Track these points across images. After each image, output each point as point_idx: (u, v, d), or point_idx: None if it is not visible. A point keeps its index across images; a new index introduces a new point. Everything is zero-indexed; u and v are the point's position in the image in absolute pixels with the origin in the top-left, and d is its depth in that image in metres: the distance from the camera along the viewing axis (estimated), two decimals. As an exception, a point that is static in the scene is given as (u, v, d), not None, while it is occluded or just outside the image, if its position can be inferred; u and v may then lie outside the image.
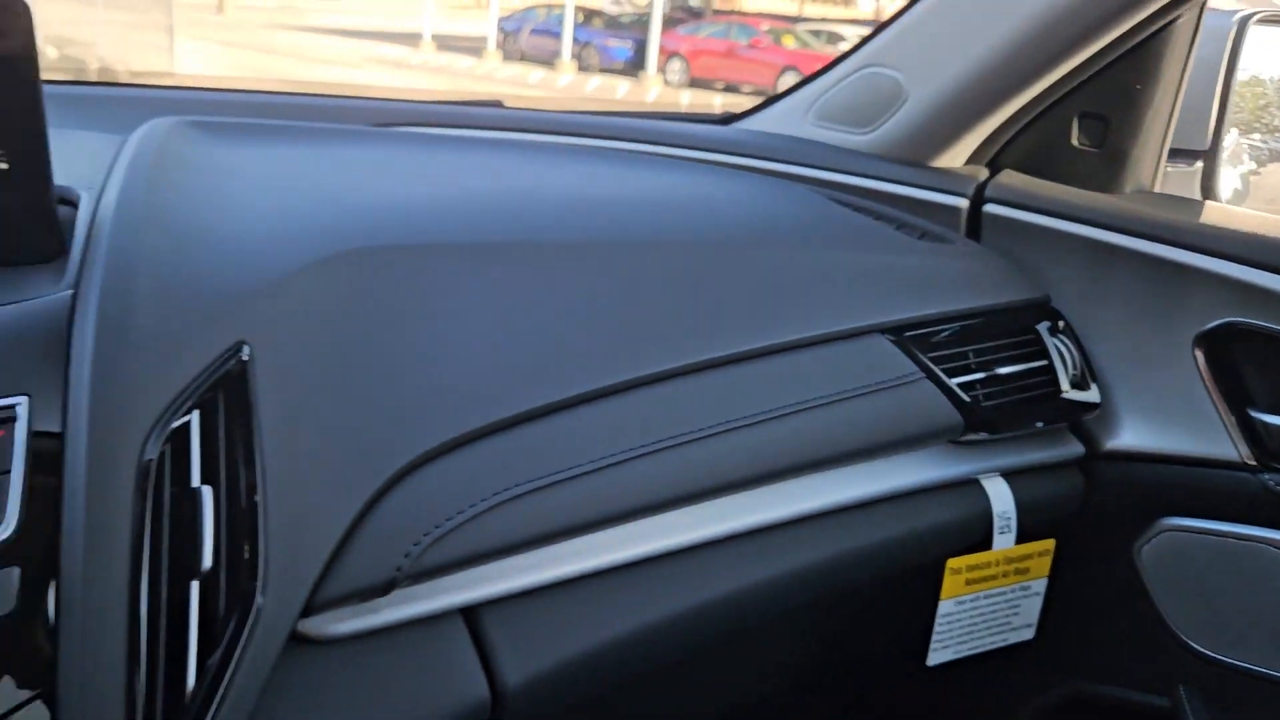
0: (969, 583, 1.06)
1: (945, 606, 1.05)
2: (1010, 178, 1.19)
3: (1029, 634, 1.13)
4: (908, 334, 1.01)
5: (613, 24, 17.78)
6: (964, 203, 1.19)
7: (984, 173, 1.21)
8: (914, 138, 1.20)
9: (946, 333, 1.04)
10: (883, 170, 1.22)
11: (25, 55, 0.66)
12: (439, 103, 1.35)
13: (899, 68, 1.21)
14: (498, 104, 1.39)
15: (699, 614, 0.85)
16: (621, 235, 0.96)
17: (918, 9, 1.20)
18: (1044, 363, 1.09)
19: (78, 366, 0.57)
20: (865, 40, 1.28)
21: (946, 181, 1.20)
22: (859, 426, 0.95)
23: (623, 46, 16.96)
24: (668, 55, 16.13)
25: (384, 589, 0.69)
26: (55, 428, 0.56)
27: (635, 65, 16.41)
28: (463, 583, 0.74)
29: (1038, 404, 1.07)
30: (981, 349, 1.06)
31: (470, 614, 0.75)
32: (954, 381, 1.01)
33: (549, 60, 17.10)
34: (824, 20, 18.52)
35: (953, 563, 1.03)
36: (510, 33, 18.11)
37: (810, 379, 0.93)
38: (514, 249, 0.86)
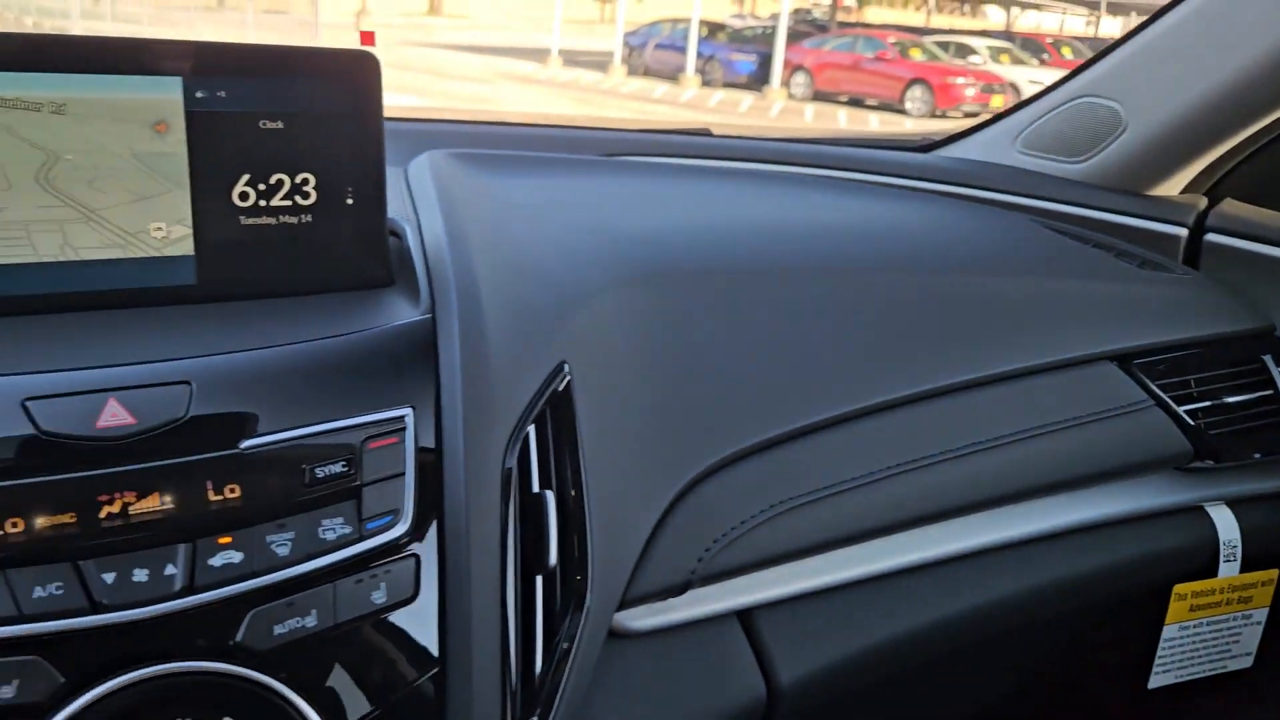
0: (1193, 609, 1.07)
1: (1169, 631, 1.07)
2: (1233, 207, 1.20)
3: (1247, 662, 1.14)
4: (1135, 361, 1.03)
5: (737, 38, 17.83)
6: (1183, 232, 1.20)
7: (1203, 201, 1.22)
8: (1131, 167, 1.22)
9: (1171, 361, 1.06)
10: (1098, 199, 1.24)
11: (373, 101, 0.75)
12: (652, 131, 1.42)
13: (1117, 97, 1.23)
14: (706, 132, 1.45)
15: (947, 624, 0.90)
16: (855, 260, 1.01)
17: (1138, 40, 1.22)
18: (1270, 392, 1.09)
19: (448, 384, 0.65)
20: (1077, 71, 1.30)
21: (1165, 210, 1.21)
22: (1091, 452, 0.97)
23: (746, 60, 16.99)
24: (792, 69, 16.10)
25: (680, 589, 0.76)
26: (429, 437, 0.64)
27: (759, 79, 16.42)
28: (739, 587, 0.80)
29: (1264, 433, 1.08)
30: (1204, 378, 1.07)
31: (745, 616, 0.81)
32: (1181, 410, 1.03)
33: (673, 75, 17.26)
34: (951, 31, 18.20)
35: (1179, 588, 1.05)
36: (635, 48, 18.35)
37: (1043, 405, 0.96)
38: (774, 274, 0.92)
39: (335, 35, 18.18)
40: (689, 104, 15.24)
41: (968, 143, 1.41)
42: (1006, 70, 15.06)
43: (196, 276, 0.72)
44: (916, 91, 14.64)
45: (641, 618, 0.76)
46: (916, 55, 15.40)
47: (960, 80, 14.44)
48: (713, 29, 17.88)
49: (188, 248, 0.72)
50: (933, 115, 14.40)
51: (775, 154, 1.39)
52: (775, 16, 16.89)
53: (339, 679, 0.59)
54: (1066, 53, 16.76)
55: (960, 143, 1.42)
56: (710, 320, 0.85)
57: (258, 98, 0.71)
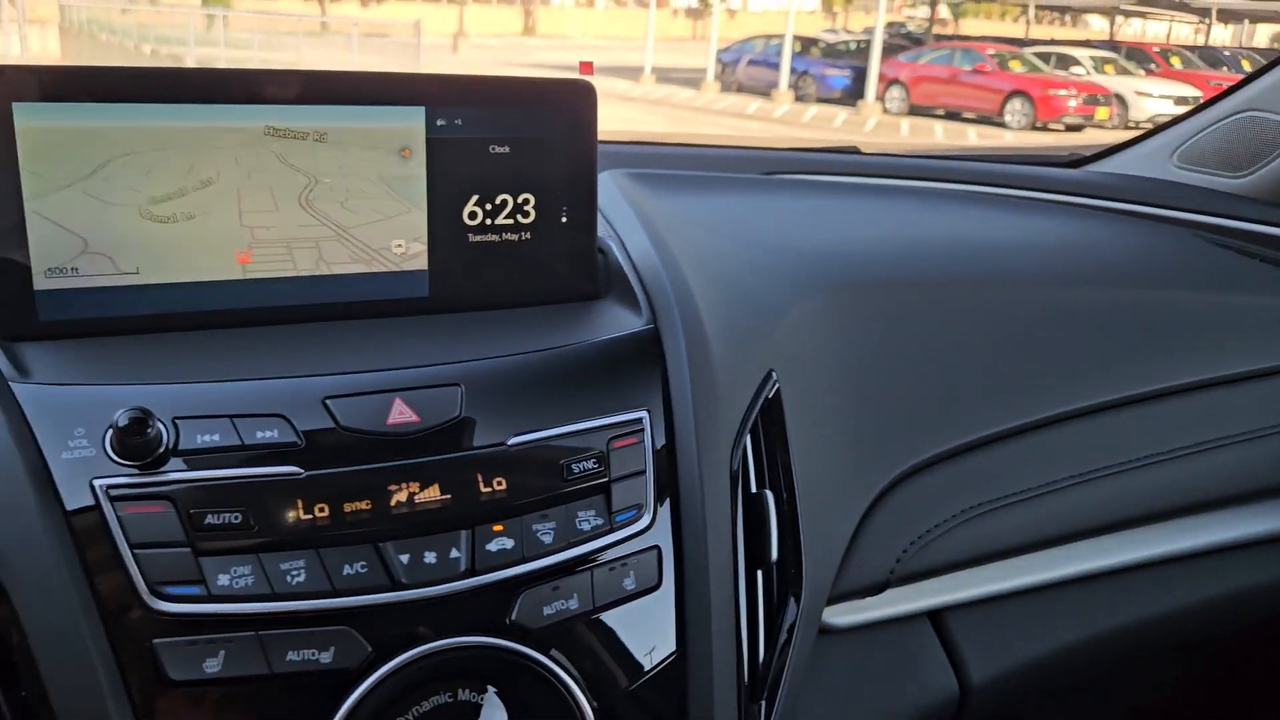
0: None
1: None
2: (1404, 221, 1.18)
3: None
4: None
5: (830, 53, 17.76)
6: (1352, 246, 1.19)
7: None
8: (1297, 181, 1.21)
9: None
10: (1264, 214, 1.23)
11: (589, 127, 0.81)
12: (803, 150, 1.46)
13: (1283, 112, 1.22)
14: (855, 150, 1.48)
15: (1126, 631, 0.91)
16: (1026, 274, 1.03)
17: (1306, 55, 1.21)
18: None
19: (677, 390, 0.70)
20: (1238, 86, 1.29)
21: (1334, 225, 1.21)
22: (1271, 463, 0.98)
23: (840, 75, 16.91)
24: (887, 83, 15.96)
25: (879, 589, 0.79)
26: (662, 438, 0.69)
27: (853, 94, 16.32)
28: (930, 589, 0.83)
29: None
30: None
31: (935, 616, 0.84)
32: None
33: (766, 90, 17.26)
34: (1052, 42, 17.84)
35: None
36: (728, 64, 18.42)
37: (1220, 418, 0.97)
38: (953, 287, 0.95)
39: (435, 56, 18.66)
40: (783, 120, 15.23)
41: (1120, 158, 1.42)
42: (1111, 81, 14.68)
43: (429, 289, 0.78)
44: (1016, 104, 14.38)
45: (843, 614, 0.79)
46: (1016, 67, 15.13)
47: (1062, 92, 14.12)
48: (806, 44, 17.84)
49: (422, 263, 0.78)
50: (1033, 128, 14.12)
51: (925, 171, 1.41)
52: (869, 30, 16.79)
53: (597, 658, 0.64)
54: (1175, 62, 16.25)
55: (1112, 158, 1.43)
56: (897, 331, 0.89)
57: (489, 125, 0.77)
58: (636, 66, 18.94)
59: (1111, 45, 17.66)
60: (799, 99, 16.89)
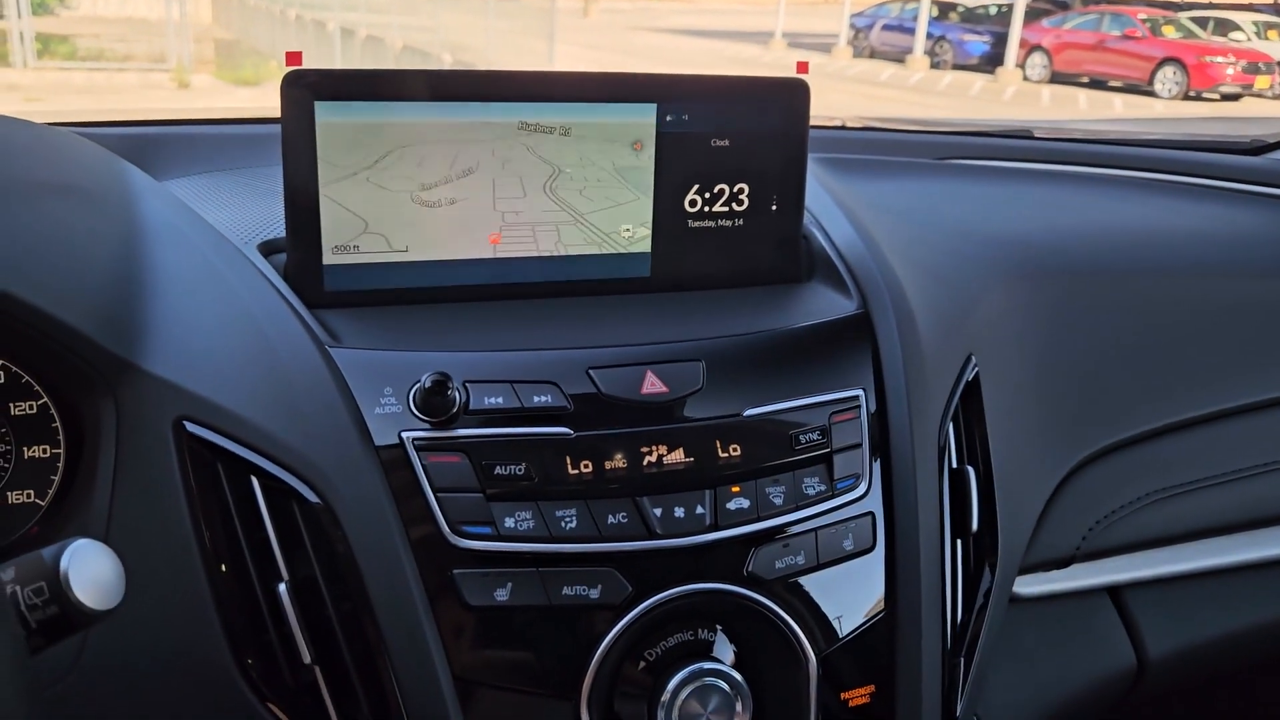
0: None
1: None
2: None
3: None
4: None
5: (970, 17, 17.19)
6: None
7: None
8: None
9: None
10: None
11: (802, 123, 0.86)
12: (975, 134, 1.48)
13: None
14: (1028, 134, 1.50)
15: None
16: (1211, 265, 1.05)
17: None
18: None
19: (890, 370, 0.76)
20: None
21: None
22: None
23: (979, 41, 16.37)
24: (1028, 49, 15.38)
25: (1065, 562, 0.84)
26: (876, 414, 0.75)
27: (992, 60, 15.79)
28: (1112, 566, 0.88)
29: None
30: None
31: (1115, 593, 0.89)
32: None
33: (899, 57, 16.86)
34: (1210, 5, 16.88)
35: None
36: (861, 29, 18.04)
37: None
38: (1140, 276, 0.98)
39: (567, 21, 18.81)
40: (917, 88, 14.87)
41: (1307, 145, 1.39)
42: (1275, 48, 13.83)
43: (651, 270, 0.86)
44: (1168, 72, 13.69)
45: (1031, 585, 0.85)
46: (1170, 33, 14.39)
47: (1220, 59, 13.37)
48: (944, 8, 17.31)
49: (646, 246, 0.85)
50: (1185, 97, 13.43)
51: (1101, 157, 1.42)
52: (1012, -6, 16.19)
53: (819, 609, 0.72)
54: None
55: (1297, 145, 1.40)
56: (1085, 319, 0.92)
57: (712, 120, 0.84)
58: (766, 31, 18.72)
59: (1277, 9, 16.59)
60: (934, 66, 16.44)
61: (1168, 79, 13.67)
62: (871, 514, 0.74)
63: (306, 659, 0.65)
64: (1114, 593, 0.89)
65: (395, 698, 0.65)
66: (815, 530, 0.72)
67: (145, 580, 0.66)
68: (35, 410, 0.70)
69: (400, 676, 0.65)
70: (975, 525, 0.76)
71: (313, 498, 0.65)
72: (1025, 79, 15.20)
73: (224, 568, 0.66)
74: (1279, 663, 0.98)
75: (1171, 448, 0.90)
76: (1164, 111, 12.93)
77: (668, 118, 0.83)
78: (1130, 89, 14.09)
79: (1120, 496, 0.87)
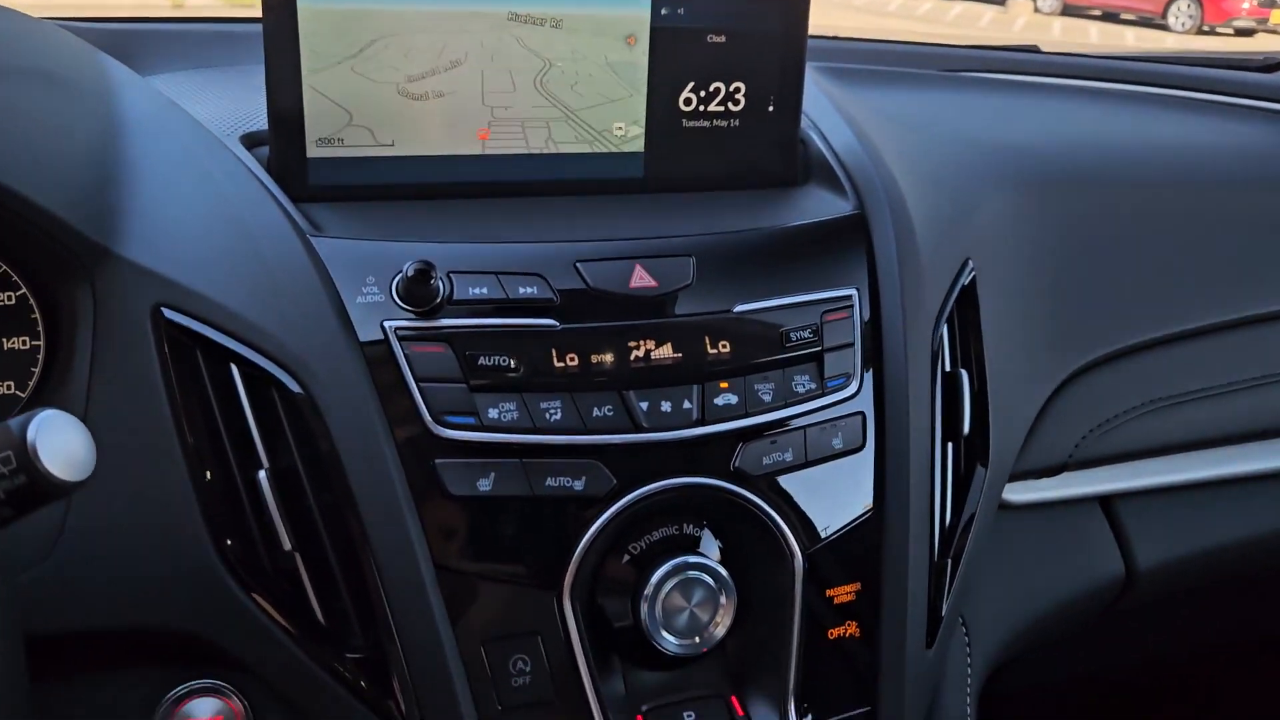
0: None
1: None
2: None
3: None
4: None
5: (981, -54, 16.79)
6: None
7: None
8: None
9: None
10: None
11: (802, 21, 0.84)
12: (980, 47, 1.45)
13: None
14: (1034, 49, 1.46)
15: None
16: (1218, 177, 1.02)
17: None
18: None
19: (885, 271, 0.75)
20: None
21: None
22: None
23: (991, -30, 16.00)
24: (1041, -21, 15.06)
25: (1056, 470, 0.84)
26: (869, 315, 0.74)
27: (1003, -10, 15.46)
28: (1103, 475, 0.88)
29: None
30: None
31: (1106, 502, 0.89)
32: None
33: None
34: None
35: None
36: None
37: None
38: (1144, 187, 0.96)
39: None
40: (925, 18, 14.59)
41: (1320, 62, 1.36)
42: (1293, -19, 13.54)
43: (644, 170, 0.84)
44: (1182, 4, 13.42)
45: (1021, 492, 0.85)
46: (1185, -36, 14.06)
47: (1237, -9, 13.10)
48: (955, -63, 16.90)
49: (639, 145, 0.83)
50: (1199, 31, 13.18)
51: (1109, 72, 1.39)
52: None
53: (805, 507, 0.71)
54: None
55: (1309, 63, 1.37)
56: (1088, 229, 0.91)
57: (708, 15, 0.81)
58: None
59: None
60: (944, -4, 16.11)
61: (1181, 12, 13.41)
62: (862, 414, 0.73)
63: (287, 546, 0.65)
64: (1105, 502, 0.89)
65: (376, 586, 0.65)
66: (804, 428, 0.72)
67: (124, 468, 0.65)
68: (14, 301, 0.69)
69: (381, 565, 0.65)
70: (967, 429, 0.75)
71: (293, 386, 0.65)
72: (1036, 10, 14.91)
73: (203, 455, 0.65)
74: (1268, 575, 0.99)
75: (1170, 358, 0.89)
76: (1175, 46, 12.71)
77: (663, 10, 0.80)
78: (1143, 22, 13.82)
79: (1116, 405, 0.86)
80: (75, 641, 0.67)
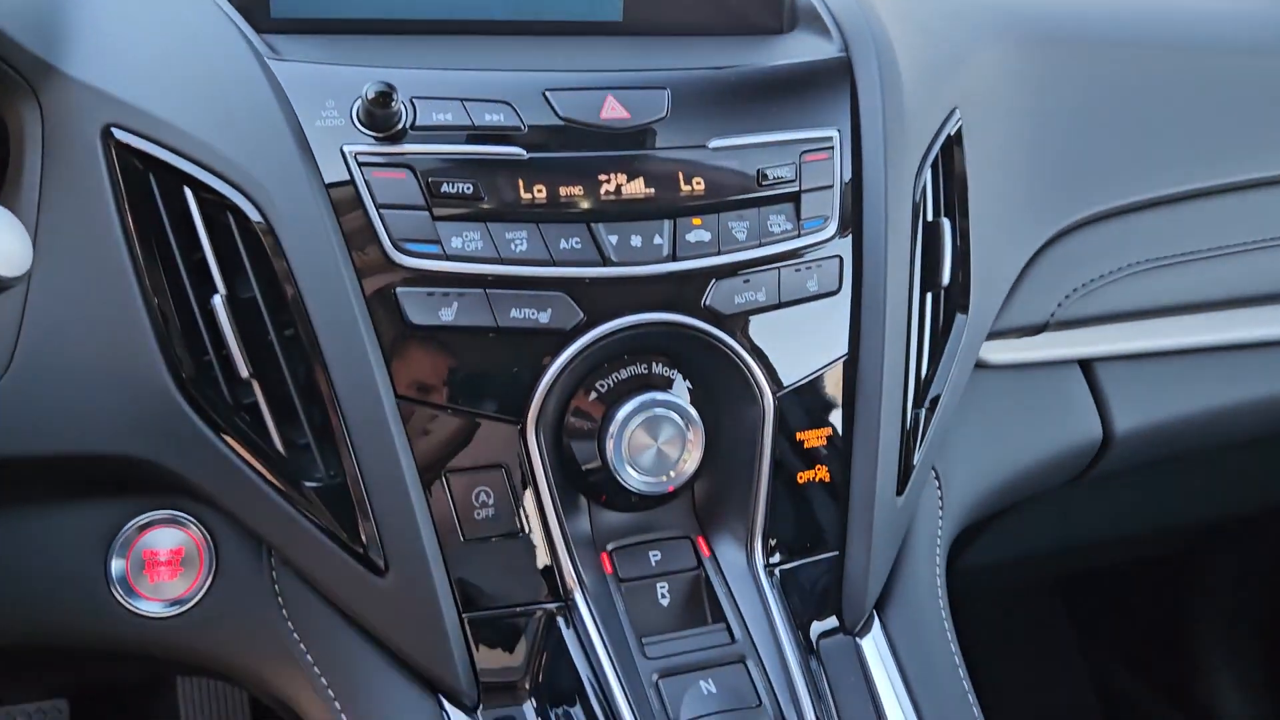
0: None
1: None
2: None
3: None
4: None
5: None
6: None
7: None
8: None
9: None
10: None
11: None
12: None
13: None
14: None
15: (1274, 404, 0.93)
16: (1210, 42, 0.99)
17: None
18: None
19: (868, 114, 0.73)
20: None
21: None
22: None
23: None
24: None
25: (1037, 330, 0.82)
26: (850, 158, 0.72)
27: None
28: (1085, 338, 0.86)
29: None
30: None
31: (1087, 366, 0.87)
32: None
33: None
34: None
35: None
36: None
37: None
38: (1136, 48, 0.93)
39: None
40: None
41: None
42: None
43: (623, 13, 0.81)
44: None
45: (1000, 352, 0.83)
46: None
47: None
48: None
49: (619, -15, 0.80)
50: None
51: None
52: None
53: (778, 349, 0.70)
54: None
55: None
56: (1082, 86, 0.88)
57: None
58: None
59: None
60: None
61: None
62: (839, 257, 0.71)
63: (244, 374, 0.63)
64: (1085, 366, 0.87)
65: (337, 417, 0.64)
66: (778, 268, 0.70)
67: (75, 292, 0.64)
68: None
69: (340, 396, 0.63)
70: (946, 279, 0.73)
71: (249, 210, 0.63)
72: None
73: (157, 280, 0.64)
74: (1245, 446, 0.98)
75: (1159, 220, 0.87)
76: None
77: None
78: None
79: (1100, 266, 0.84)
80: (30, 467, 0.66)
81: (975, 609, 1.00)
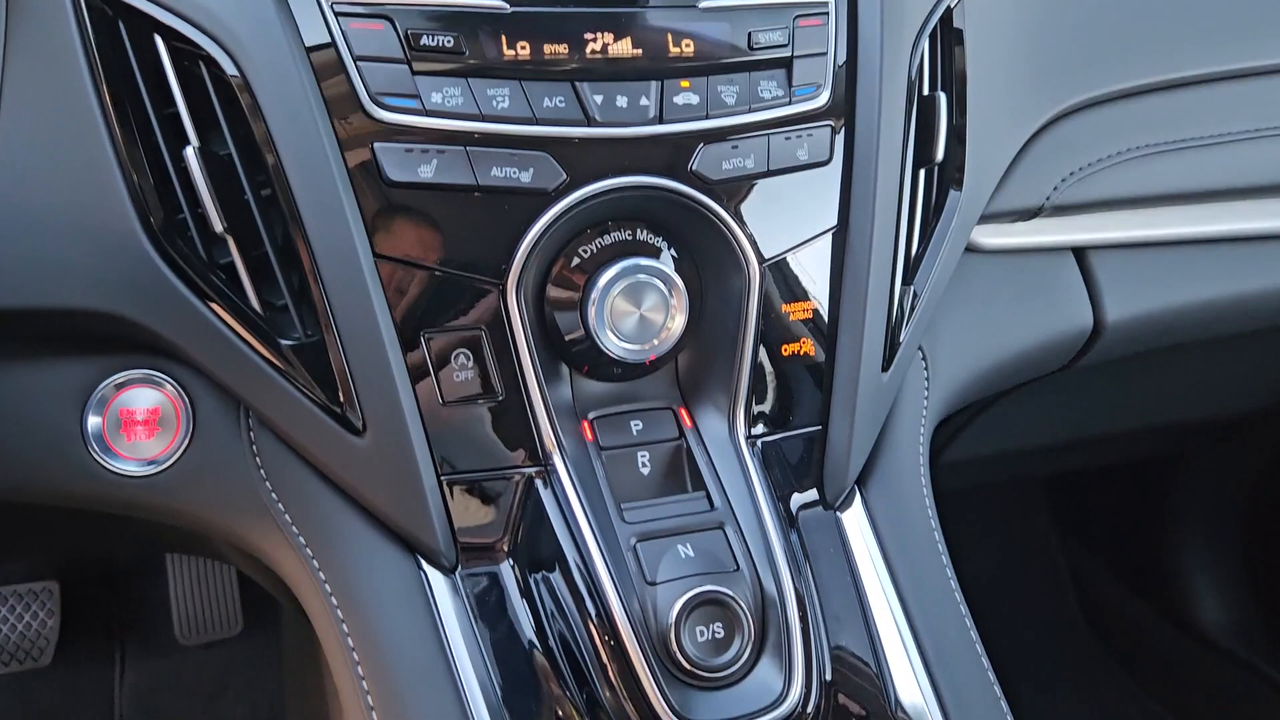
0: None
1: None
2: None
3: None
4: None
5: None
6: None
7: None
8: None
9: None
10: None
11: None
12: None
13: None
14: None
15: (1267, 298, 0.91)
16: None
17: None
18: None
19: None
20: None
21: None
22: None
23: None
24: None
25: (1030, 214, 0.81)
26: (844, 26, 0.70)
27: None
28: (1079, 225, 0.85)
29: None
30: None
31: (1080, 254, 0.86)
32: None
33: None
34: None
35: None
36: None
37: None
38: None
39: None
40: None
41: None
42: None
43: None
44: None
45: (992, 236, 0.81)
46: None
47: None
48: None
49: None
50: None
51: None
52: None
53: (764, 217, 0.68)
54: None
55: None
56: None
57: None
58: None
59: None
60: None
61: None
62: (830, 126, 0.69)
63: (218, 228, 0.62)
64: (1079, 253, 0.86)
65: (314, 275, 0.62)
66: (768, 135, 0.68)
67: (44, 143, 0.62)
68: None
69: (318, 253, 0.62)
70: (940, 155, 0.71)
71: (222, 59, 0.60)
72: None
73: (128, 132, 0.62)
74: (1238, 339, 0.97)
75: (1160, 106, 0.84)
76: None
77: None
78: None
79: (1099, 150, 0.82)
80: (3, 321, 0.65)
81: (959, 505, 1.00)
